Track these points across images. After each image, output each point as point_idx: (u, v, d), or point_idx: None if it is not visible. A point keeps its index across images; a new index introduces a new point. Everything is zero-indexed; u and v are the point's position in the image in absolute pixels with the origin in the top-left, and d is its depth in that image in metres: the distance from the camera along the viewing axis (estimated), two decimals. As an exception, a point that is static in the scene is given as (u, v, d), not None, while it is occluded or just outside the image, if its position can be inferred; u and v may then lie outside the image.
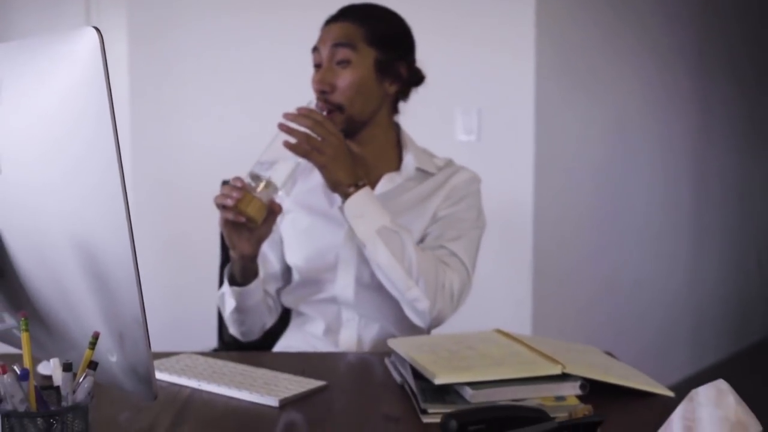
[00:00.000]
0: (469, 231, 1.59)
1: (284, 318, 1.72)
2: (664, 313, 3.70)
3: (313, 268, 1.61)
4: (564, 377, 1.10)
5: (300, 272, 1.63)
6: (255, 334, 1.64)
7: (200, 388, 1.15)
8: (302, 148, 1.41)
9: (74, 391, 0.79)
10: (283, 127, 1.42)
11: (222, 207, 1.38)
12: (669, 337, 3.77)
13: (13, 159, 0.87)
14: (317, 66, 1.55)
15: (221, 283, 1.69)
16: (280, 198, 1.65)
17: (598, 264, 3.22)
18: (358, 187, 1.47)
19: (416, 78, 1.65)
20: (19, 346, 1.01)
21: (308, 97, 1.53)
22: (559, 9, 2.91)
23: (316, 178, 1.60)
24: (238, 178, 1.38)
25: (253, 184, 1.38)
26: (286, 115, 1.43)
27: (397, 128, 1.67)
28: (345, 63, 1.51)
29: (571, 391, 1.10)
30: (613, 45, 3.26)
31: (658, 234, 3.66)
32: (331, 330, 1.61)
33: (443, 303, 1.48)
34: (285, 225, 1.64)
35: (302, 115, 1.43)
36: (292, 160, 1.41)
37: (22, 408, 0.76)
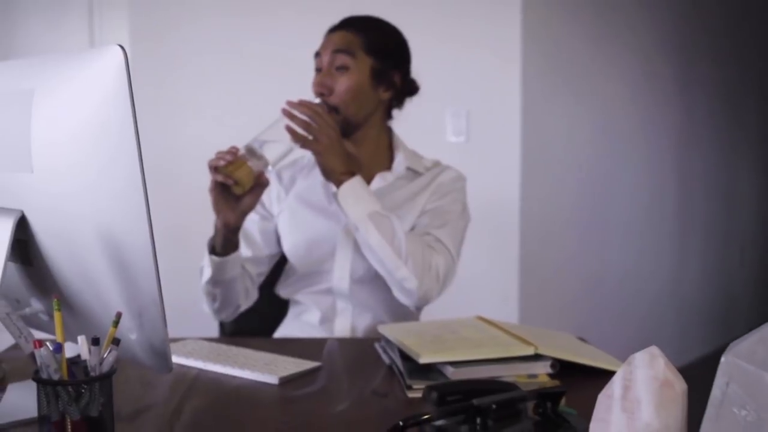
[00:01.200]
0: (454, 221, 1.70)
1: (282, 308, 1.82)
2: (648, 309, 3.81)
3: (310, 261, 1.72)
4: (536, 357, 1.21)
5: (298, 265, 1.74)
6: (228, 313, 1.71)
7: (206, 368, 1.26)
8: (300, 134, 1.53)
9: (100, 364, 0.90)
10: (286, 112, 1.54)
11: (214, 169, 1.49)
12: (654, 333, 3.89)
13: (44, 160, 0.97)
14: (318, 70, 1.67)
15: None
16: (281, 197, 1.76)
17: (583, 261, 3.33)
18: (351, 175, 1.58)
19: (410, 88, 1.76)
20: (44, 329, 1.13)
21: (307, 98, 1.64)
22: (544, 14, 3.02)
23: (316, 176, 1.72)
24: (233, 147, 1.50)
25: (246, 152, 1.49)
26: (290, 103, 1.55)
27: (389, 132, 1.78)
28: (343, 69, 1.63)
29: (542, 369, 1.21)
30: (598, 47, 3.38)
31: (643, 231, 3.78)
32: (327, 319, 1.72)
33: (430, 283, 1.59)
34: (285, 218, 1.75)
35: (305, 105, 1.55)
36: (287, 143, 1.53)
37: (56, 377, 0.87)
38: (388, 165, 1.76)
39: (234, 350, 1.34)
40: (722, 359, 0.62)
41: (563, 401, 1.02)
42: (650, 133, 3.80)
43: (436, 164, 1.79)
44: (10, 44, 3.46)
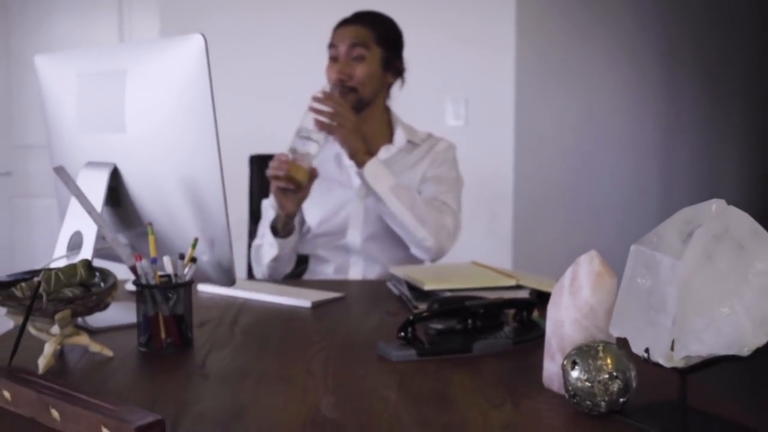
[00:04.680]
0: (453, 185, 2.02)
1: (302, 264, 2.11)
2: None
3: (328, 223, 2.01)
4: (518, 287, 1.50)
5: (317, 226, 2.02)
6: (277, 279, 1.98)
7: (251, 297, 1.55)
8: (328, 124, 1.81)
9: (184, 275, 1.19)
10: (313, 110, 1.82)
11: (275, 177, 1.77)
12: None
13: (136, 122, 1.26)
14: (334, 58, 1.95)
15: (251, 236, 2.10)
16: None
17: (570, 234, 3.63)
18: (371, 155, 1.87)
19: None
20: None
21: (319, 83, 1.92)
22: (537, 11, 3.32)
23: (327, 151, 2.00)
24: (283, 154, 1.77)
25: (294, 156, 1.76)
26: (315, 98, 1.82)
27: (389, 110, 2.08)
28: (360, 58, 1.93)
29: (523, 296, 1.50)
30: (586, 40, 3.67)
31: (627, 210, 4.05)
32: (341, 271, 2.01)
33: (444, 239, 1.90)
34: None
35: (327, 98, 1.83)
36: (321, 134, 1.81)
37: (152, 282, 1.16)
38: (389, 138, 2.05)
39: (270, 285, 1.64)
40: (631, 248, 0.91)
41: (536, 313, 1.31)
42: (634, 119, 4.09)
43: (430, 136, 2.09)
44: (43, 36, 3.73)
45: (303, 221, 2.07)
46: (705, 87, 4.66)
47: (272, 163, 1.77)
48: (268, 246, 1.91)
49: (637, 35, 4.04)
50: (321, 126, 1.81)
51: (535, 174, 3.35)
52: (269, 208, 2.03)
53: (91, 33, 3.68)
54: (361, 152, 1.86)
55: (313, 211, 2.03)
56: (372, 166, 1.86)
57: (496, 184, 3.15)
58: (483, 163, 3.06)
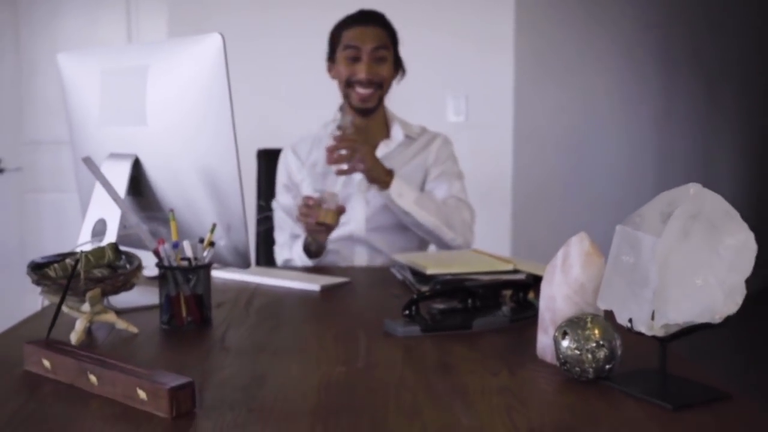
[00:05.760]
0: (458, 178, 2.12)
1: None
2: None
3: None
4: (515, 272, 1.59)
5: None
6: None
7: (262, 282, 1.64)
8: (349, 169, 1.90)
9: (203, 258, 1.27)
10: (330, 161, 1.90)
11: (305, 223, 1.85)
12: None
13: (157, 116, 1.35)
14: (355, 59, 2.03)
15: (259, 224, 2.19)
16: (300, 168, 2.12)
17: (568, 225, 3.71)
18: (391, 176, 1.95)
19: None
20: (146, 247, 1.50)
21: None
22: (535, 11, 3.40)
23: (325, 144, 2.08)
24: (309, 197, 1.85)
25: (322, 197, 1.84)
26: (330, 149, 1.89)
27: (384, 106, 2.17)
28: (383, 60, 2.03)
29: (519, 281, 1.58)
30: (583, 39, 3.75)
31: (621, 202, 4.13)
32: (347, 261, 2.09)
33: (468, 234, 2.03)
34: (306, 185, 2.10)
35: (341, 142, 1.89)
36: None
37: (174, 265, 1.25)
38: (386, 134, 2.14)
39: (280, 271, 1.73)
40: (617, 228, 0.99)
41: (532, 295, 1.40)
42: (631, 116, 4.18)
43: (424, 129, 2.18)
44: (52, 35, 3.81)
45: None
46: (701, 86, 4.75)
47: (301, 209, 1.84)
48: (301, 264, 1.98)
49: (634, 35, 4.13)
50: (341, 173, 1.91)
51: (533, 168, 3.43)
52: (279, 210, 2.12)
53: (99, 32, 3.77)
54: (383, 175, 1.93)
55: None
56: (396, 186, 1.95)
57: (496, 178, 3.24)
58: (483, 157, 3.15)
